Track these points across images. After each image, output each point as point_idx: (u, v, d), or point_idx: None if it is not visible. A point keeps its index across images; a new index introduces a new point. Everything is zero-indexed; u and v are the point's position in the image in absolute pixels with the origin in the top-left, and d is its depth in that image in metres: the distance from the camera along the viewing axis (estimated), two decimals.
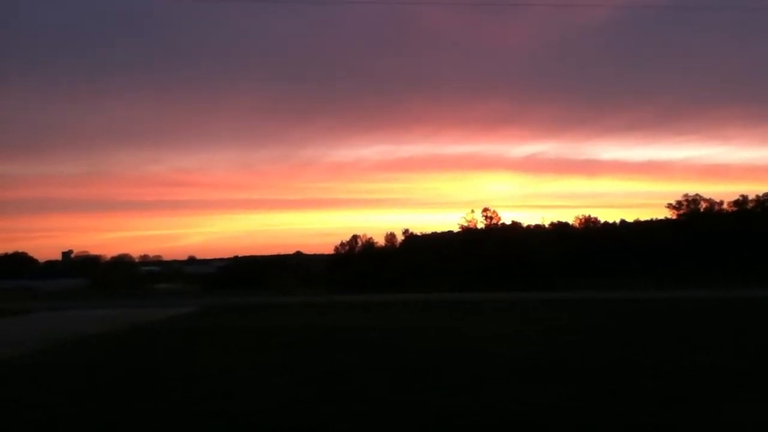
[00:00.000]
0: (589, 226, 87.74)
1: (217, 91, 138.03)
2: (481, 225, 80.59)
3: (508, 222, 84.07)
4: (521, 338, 18.91)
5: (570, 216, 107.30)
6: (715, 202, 78.78)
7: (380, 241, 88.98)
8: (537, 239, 77.64)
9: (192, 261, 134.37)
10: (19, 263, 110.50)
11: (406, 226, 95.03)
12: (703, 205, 78.34)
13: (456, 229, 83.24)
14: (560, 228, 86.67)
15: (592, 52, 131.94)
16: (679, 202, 78.65)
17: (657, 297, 37.57)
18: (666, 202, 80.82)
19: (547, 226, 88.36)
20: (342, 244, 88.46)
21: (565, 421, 8.65)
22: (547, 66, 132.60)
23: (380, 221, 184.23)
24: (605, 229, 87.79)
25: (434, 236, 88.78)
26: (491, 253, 69.60)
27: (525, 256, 68.17)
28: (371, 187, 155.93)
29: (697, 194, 78.57)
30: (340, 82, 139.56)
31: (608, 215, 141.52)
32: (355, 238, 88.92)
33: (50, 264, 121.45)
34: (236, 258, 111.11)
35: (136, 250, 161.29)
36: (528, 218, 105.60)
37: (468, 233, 79.67)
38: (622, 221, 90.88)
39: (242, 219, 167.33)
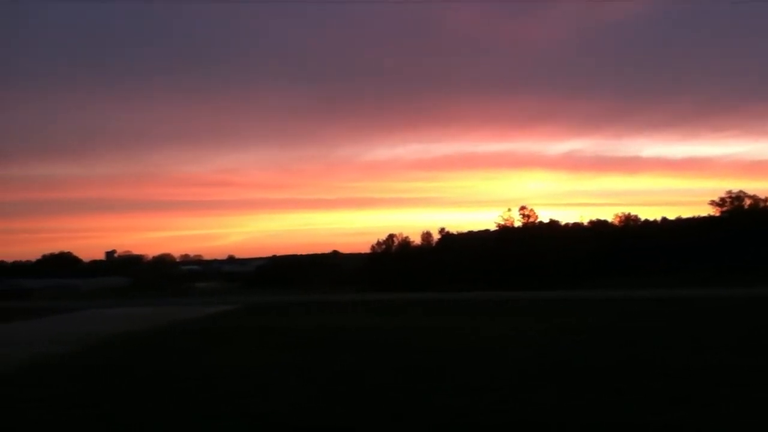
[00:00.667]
0: (629, 224, 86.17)
1: (256, 92, 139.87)
2: (518, 223, 79.98)
3: (545, 220, 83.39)
4: (536, 338, 18.70)
5: (609, 214, 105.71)
6: (760, 198, 76.67)
7: (416, 240, 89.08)
8: (574, 237, 76.69)
9: (231, 260, 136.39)
10: (64, 263, 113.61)
11: (442, 225, 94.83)
12: (747, 202, 76.25)
13: (493, 227, 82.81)
14: (599, 226, 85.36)
15: (630, 46, 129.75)
16: (722, 199, 76.71)
17: (692, 295, 36.63)
18: (709, 199, 78.95)
19: (585, 224, 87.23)
20: (378, 243, 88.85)
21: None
22: (584, 61, 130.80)
23: (417, 220, 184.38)
24: (645, 227, 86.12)
25: (471, 235, 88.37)
26: (528, 251, 69.01)
27: (561, 255, 67.41)
28: (408, 186, 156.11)
29: (740, 191, 76.56)
30: (376, 81, 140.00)
31: (649, 213, 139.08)
32: (391, 237, 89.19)
33: (94, 263, 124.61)
34: (274, 257, 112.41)
35: (176, 250, 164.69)
36: (566, 216, 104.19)
37: (505, 232, 79.10)
38: (663, 219, 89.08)
39: (280, 218, 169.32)
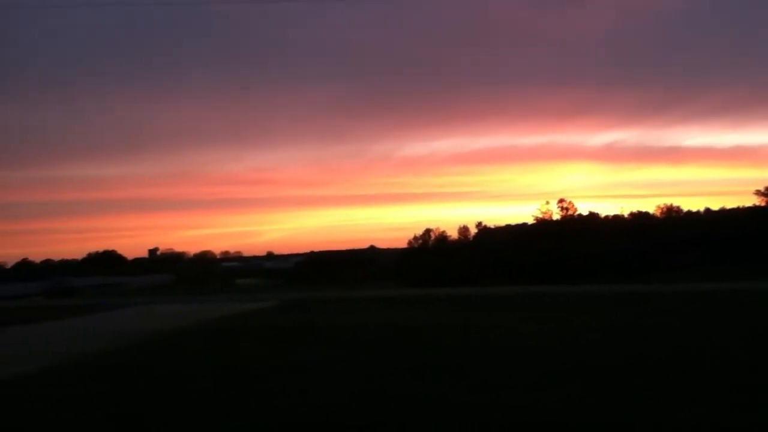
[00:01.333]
0: (671, 215, 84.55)
1: (294, 89, 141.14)
2: (556, 216, 79.21)
3: (584, 213, 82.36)
4: (586, 333, 18.65)
5: (651, 206, 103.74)
6: None
7: (453, 234, 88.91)
8: (614, 230, 75.59)
9: (270, 257, 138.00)
10: (109, 261, 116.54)
11: (479, 219, 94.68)
12: None
13: (531, 221, 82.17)
14: (640, 218, 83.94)
15: (673, 34, 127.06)
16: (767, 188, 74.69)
17: (739, 288, 35.80)
18: (754, 188, 76.91)
19: (626, 216, 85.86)
20: (415, 238, 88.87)
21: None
22: (626, 50, 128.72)
23: (453, 214, 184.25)
24: (688, 218, 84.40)
25: (508, 229, 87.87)
26: (566, 244, 68.29)
27: (601, 248, 66.55)
28: (444, 180, 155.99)
29: None
30: (413, 75, 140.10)
31: (692, 204, 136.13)
32: (428, 231, 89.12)
33: (138, 261, 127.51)
34: (312, 253, 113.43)
35: (217, 247, 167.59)
36: (606, 209, 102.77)
37: (542, 225, 78.39)
38: (707, 210, 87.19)
39: (318, 215, 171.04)
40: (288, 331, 21.13)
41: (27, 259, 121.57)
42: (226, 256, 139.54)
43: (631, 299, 30.43)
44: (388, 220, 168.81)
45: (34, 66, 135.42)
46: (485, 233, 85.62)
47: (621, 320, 21.72)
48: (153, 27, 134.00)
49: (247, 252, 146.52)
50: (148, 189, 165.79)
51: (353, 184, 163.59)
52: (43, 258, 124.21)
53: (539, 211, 79.92)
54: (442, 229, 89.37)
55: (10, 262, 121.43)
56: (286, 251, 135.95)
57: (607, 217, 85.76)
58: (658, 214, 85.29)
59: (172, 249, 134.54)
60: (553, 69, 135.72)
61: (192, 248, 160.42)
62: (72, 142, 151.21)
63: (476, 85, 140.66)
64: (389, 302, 34.42)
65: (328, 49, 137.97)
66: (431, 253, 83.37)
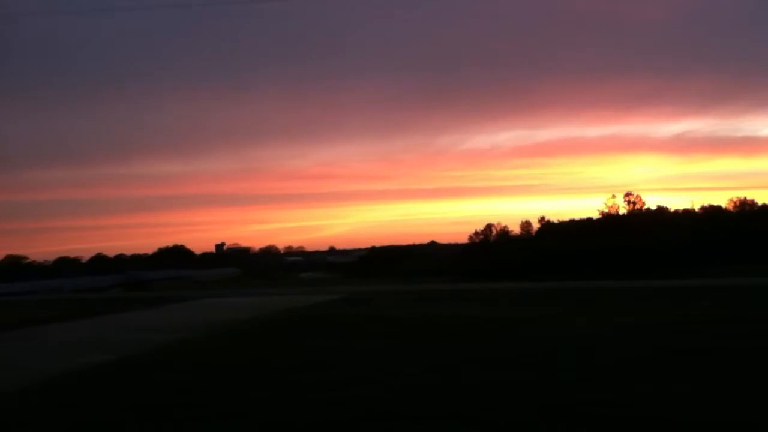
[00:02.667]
0: (745, 208, 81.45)
1: (355, 84, 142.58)
2: (623, 210, 77.53)
3: (653, 207, 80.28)
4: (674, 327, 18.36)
5: (723, 199, 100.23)
6: None
7: (515, 229, 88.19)
8: (684, 224, 73.42)
9: (332, 251, 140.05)
10: (178, 255, 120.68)
11: (542, 214, 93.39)
12: None
13: (596, 215, 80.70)
14: (711, 212, 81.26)
15: (746, 17, 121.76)
16: None
17: None
18: None
19: (696, 210, 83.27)
20: (476, 233, 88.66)
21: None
22: (698, 36, 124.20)
23: (515, 209, 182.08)
24: (762, 211, 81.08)
25: (572, 223, 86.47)
26: (633, 239, 66.77)
27: (669, 242, 64.79)
28: (506, 174, 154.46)
29: None
30: (473, 67, 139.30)
31: (767, 197, 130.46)
32: (489, 226, 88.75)
33: (205, 255, 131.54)
34: (373, 248, 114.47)
35: (281, 242, 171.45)
36: (675, 202, 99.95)
37: (608, 219, 76.85)
38: None
39: (379, 209, 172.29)
40: (361, 320, 21.71)
41: (101, 253, 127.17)
42: (290, 251, 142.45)
43: (712, 294, 29.53)
44: (449, 215, 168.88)
45: (105, 67, 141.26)
46: (548, 228, 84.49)
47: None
48: (219, 25, 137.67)
49: (310, 247, 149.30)
50: (216, 185, 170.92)
51: (415, 178, 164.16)
52: (117, 252, 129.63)
53: (605, 205, 78.49)
54: (503, 224, 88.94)
55: (86, 257, 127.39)
56: (347, 246, 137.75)
57: (676, 211, 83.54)
58: (730, 207, 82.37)
59: (237, 243, 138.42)
60: (620, 56, 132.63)
61: (257, 243, 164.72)
62: (142, 140, 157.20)
63: (539, 76, 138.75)
64: (454, 295, 34.57)
65: (390, 43, 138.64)
66: (492, 248, 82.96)
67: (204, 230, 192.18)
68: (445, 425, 8.43)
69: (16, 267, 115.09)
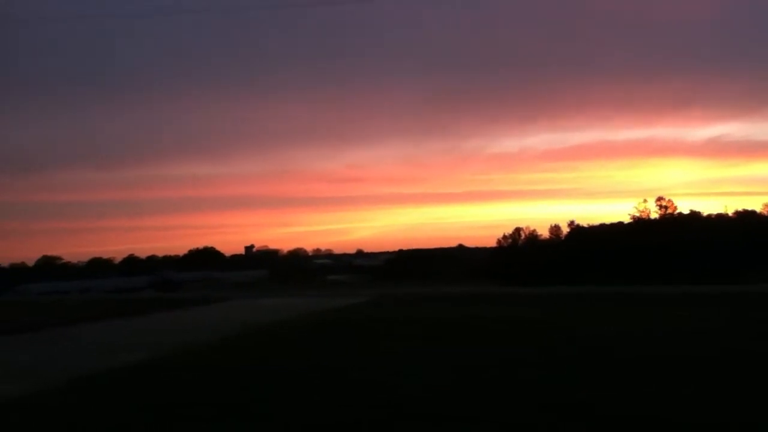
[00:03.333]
0: None
1: (385, 87, 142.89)
2: (654, 215, 76.56)
3: (685, 211, 79.03)
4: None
5: (758, 203, 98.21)
6: None
7: (544, 233, 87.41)
8: (717, 229, 72.06)
9: (360, 254, 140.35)
10: (208, 257, 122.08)
11: (572, 218, 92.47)
12: None
13: (627, 219, 79.73)
14: (745, 217, 79.62)
15: None
16: None
17: None
18: None
19: (730, 214, 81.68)
20: (505, 237, 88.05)
21: None
22: (732, 39, 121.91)
23: (545, 213, 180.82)
24: None
25: (602, 228, 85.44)
26: (665, 244, 65.79)
27: (702, 248, 63.66)
28: (536, 177, 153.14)
29: None
30: (503, 69, 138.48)
31: None
32: (518, 230, 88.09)
33: (235, 257, 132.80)
34: (401, 251, 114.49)
35: (309, 244, 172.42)
36: (709, 207, 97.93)
37: (639, 224, 75.89)
38: None
39: (407, 213, 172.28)
40: (386, 323, 21.73)
41: (133, 254, 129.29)
42: (318, 253, 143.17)
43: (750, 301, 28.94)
44: (477, 219, 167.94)
45: (137, 69, 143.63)
46: (578, 232, 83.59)
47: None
48: (251, 27, 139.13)
49: (338, 249, 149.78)
50: (246, 187, 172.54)
51: (443, 182, 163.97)
52: (149, 254, 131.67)
53: (636, 210, 77.63)
54: (532, 228, 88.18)
55: (119, 258, 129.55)
56: (375, 249, 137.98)
57: (710, 215, 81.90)
58: (765, 212, 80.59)
59: (266, 246, 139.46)
60: (652, 59, 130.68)
61: (285, 245, 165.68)
62: (174, 143, 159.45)
63: (570, 79, 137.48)
64: (485, 299, 34.38)
65: (420, 45, 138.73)
66: (521, 252, 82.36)
67: (234, 232, 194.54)
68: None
69: (51, 267, 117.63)
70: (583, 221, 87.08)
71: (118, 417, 9.61)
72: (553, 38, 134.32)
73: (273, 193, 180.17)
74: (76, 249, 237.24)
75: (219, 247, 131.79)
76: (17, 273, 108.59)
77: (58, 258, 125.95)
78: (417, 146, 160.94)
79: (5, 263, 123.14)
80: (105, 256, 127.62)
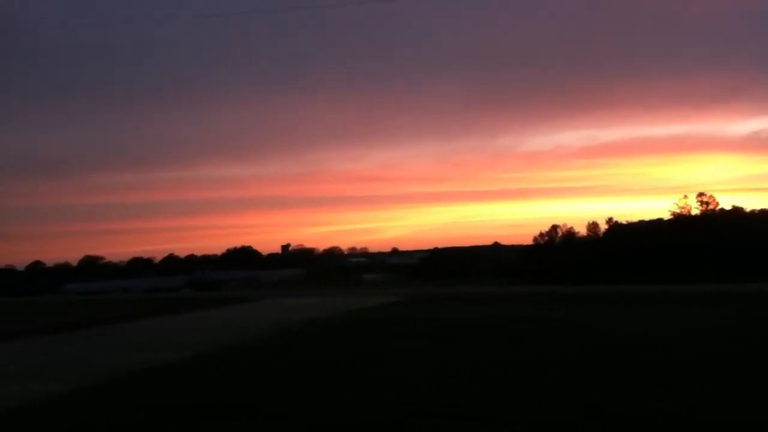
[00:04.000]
0: None
1: (417, 86, 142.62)
2: (695, 211, 74.84)
3: (727, 207, 77.06)
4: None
5: None
6: None
7: (582, 230, 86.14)
8: (761, 225, 70.01)
9: (395, 253, 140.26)
10: (245, 256, 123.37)
11: (609, 215, 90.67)
12: None
13: (666, 216, 78.12)
14: None
15: None
16: None
17: None
18: None
19: None
20: (541, 235, 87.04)
21: None
22: None
23: (581, 210, 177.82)
24: None
25: (641, 225, 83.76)
26: (706, 241, 64.20)
27: (746, 245, 61.90)
28: (572, 174, 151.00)
29: None
30: (537, 66, 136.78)
31: None
32: (554, 228, 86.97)
33: (271, 256, 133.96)
34: (436, 249, 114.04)
35: (344, 243, 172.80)
36: (752, 203, 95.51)
37: (680, 220, 74.28)
38: None
39: (442, 211, 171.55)
40: (413, 322, 21.73)
41: (173, 254, 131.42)
42: (353, 252, 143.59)
43: None
44: (512, 216, 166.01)
45: (173, 72, 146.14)
46: (617, 229, 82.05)
47: None
48: (282, 30, 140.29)
49: (373, 248, 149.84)
50: (282, 187, 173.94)
51: (477, 180, 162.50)
52: (187, 253, 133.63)
53: (676, 206, 76.00)
54: (569, 225, 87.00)
55: (159, 257, 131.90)
56: (410, 247, 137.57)
57: (753, 211, 79.65)
58: None
59: (302, 245, 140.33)
60: (691, 53, 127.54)
61: (321, 244, 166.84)
62: (210, 145, 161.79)
63: (605, 73, 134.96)
64: (514, 299, 34.10)
65: (452, 44, 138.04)
66: (558, 250, 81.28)
67: (270, 232, 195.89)
68: None
69: (93, 267, 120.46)
70: (622, 218, 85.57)
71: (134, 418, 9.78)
72: (587, 34, 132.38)
73: (308, 192, 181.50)
74: (118, 249, 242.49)
75: (256, 247, 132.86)
76: (61, 272, 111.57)
77: (100, 258, 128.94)
78: (451, 145, 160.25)
79: (50, 263, 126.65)
80: (145, 256, 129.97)
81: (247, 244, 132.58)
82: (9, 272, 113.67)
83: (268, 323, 23.59)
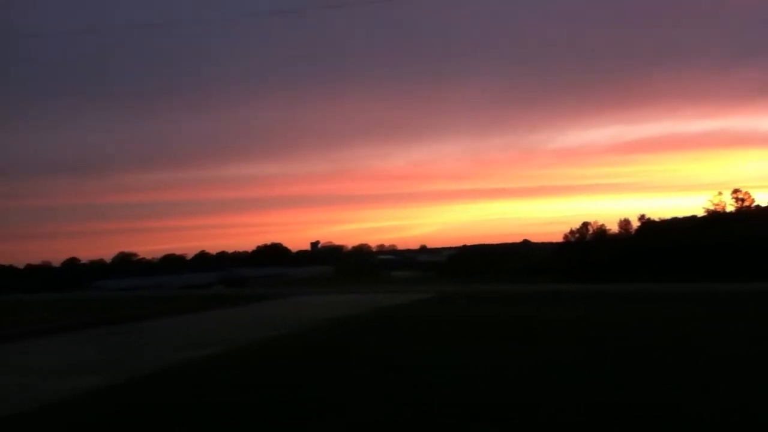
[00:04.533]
0: None
1: (448, 83, 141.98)
2: (730, 208, 73.42)
3: (763, 204, 75.42)
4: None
5: None
6: None
7: (613, 228, 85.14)
8: None
9: (423, 250, 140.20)
10: (275, 253, 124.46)
11: (642, 212, 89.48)
12: None
13: (701, 213, 76.74)
14: None
15: None
16: None
17: None
18: None
19: None
20: (571, 232, 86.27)
21: None
22: None
23: (613, 207, 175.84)
24: None
25: (675, 222, 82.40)
26: (742, 238, 62.86)
27: None
28: (603, 171, 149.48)
29: None
30: (568, 61, 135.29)
31: None
32: (585, 225, 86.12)
33: (301, 253, 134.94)
34: (464, 247, 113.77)
35: (373, 240, 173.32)
36: None
37: (715, 217, 72.89)
38: None
39: (470, 208, 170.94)
40: (438, 322, 21.70)
41: (204, 251, 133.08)
42: (382, 249, 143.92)
43: None
44: (542, 214, 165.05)
45: (204, 72, 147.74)
46: (649, 226, 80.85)
47: None
48: (314, 30, 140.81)
49: (402, 245, 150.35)
50: (312, 185, 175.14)
51: (507, 177, 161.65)
52: (218, 250, 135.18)
53: (711, 203, 74.63)
54: (600, 223, 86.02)
55: (190, 254, 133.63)
56: (439, 245, 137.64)
57: None
58: None
59: (331, 242, 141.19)
60: (726, 46, 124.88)
61: (350, 241, 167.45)
62: (242, 143, 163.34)
63: (638, 68, 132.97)
64: (542, 297, 33.80)
65: (483, 41, 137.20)
66: (589, 247, 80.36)
67: (300, 229, 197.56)
68: None
69: (127, 264, 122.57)
70: (654, 215, 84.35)
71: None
72: (619, 29, 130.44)
73: (338, 190, 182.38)
74: (151, 246, 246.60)
75: (286, 244, 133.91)
76: (96, 269, 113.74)
77: (134, 254, 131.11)
78: (480, 142, 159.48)
79: (85, 260, 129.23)
80: (177, 253, 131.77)
81: (276, 241, 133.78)
82: (45, 269, 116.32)
83: (293, 322, 23.76)
